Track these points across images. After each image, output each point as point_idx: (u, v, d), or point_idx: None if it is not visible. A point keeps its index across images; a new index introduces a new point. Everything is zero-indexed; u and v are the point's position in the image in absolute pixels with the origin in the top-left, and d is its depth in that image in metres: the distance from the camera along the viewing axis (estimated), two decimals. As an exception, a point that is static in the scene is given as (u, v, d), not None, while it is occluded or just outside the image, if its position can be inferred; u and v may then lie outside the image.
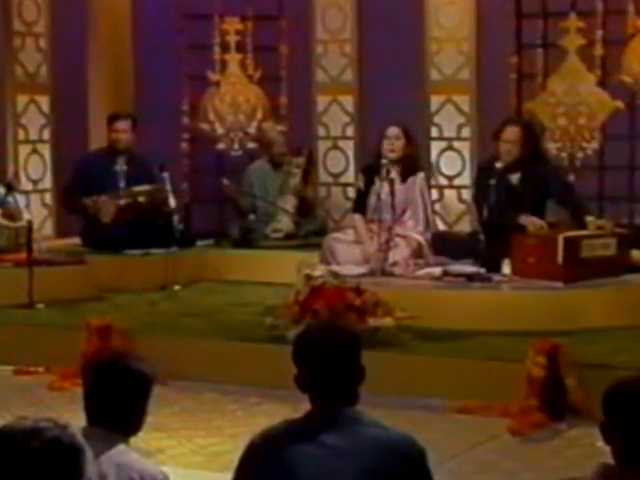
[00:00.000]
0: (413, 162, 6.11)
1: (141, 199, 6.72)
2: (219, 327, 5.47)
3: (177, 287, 6.36)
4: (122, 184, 6.86)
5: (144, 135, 7.14)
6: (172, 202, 6.41)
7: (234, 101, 7.76)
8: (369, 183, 6.12)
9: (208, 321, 5.61)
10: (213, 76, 7.76)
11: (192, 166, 7.87)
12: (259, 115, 7.74)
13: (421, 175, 6.17)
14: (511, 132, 5.86)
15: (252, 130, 7.72)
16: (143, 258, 6.54)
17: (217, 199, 7.73)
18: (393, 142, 6.00)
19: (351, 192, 7.28)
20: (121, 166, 6.91)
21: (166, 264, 6.27)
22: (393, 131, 6.03)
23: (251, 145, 7.71)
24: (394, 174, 6.01)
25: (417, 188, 6.10)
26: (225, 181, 7.02)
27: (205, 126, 7.79)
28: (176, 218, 6.39)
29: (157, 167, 6.64)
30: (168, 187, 6.47)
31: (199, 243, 7.11)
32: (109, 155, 6.94)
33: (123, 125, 6.88)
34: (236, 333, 5.31)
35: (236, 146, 7.79)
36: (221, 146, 7.80)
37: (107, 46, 7.79)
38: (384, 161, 5.99)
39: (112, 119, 6.95)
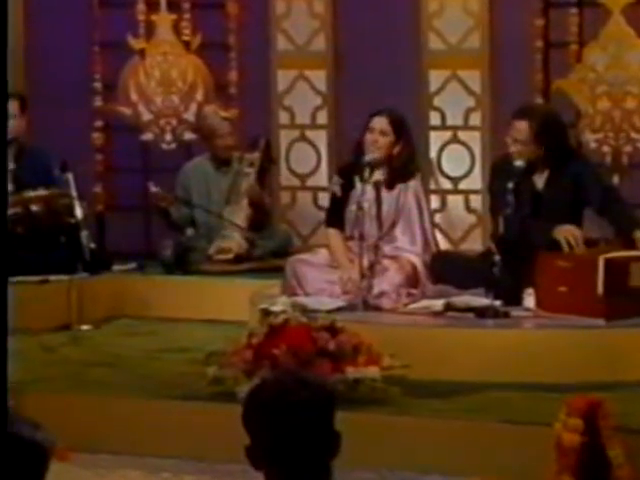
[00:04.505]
0: (404, 165, 6.09)
1: (35, 208, 6.71)
2: (144, 380, 5.47)
3: (85, 327, 6.37)
4: (9, 187, 6.81)
5: (40, 122, 7.12)
6: (79, 212, 6.42)
7: (165, 77, 7.77)
8: (347, 188, 6.13)
9: (129, 372, 5.62)
10: (136, 43, 7.76)
11: (107, 163, 7.86)
12: (199, 96, 7.76)
13: (416, 178, 6.17)
14: (518, 129, 5.81)
15: (190, 116, 7.72)
16: (38, 287, 6.53)
17: (142, 208, 7.71)
18: (377, 137, 6.00)
19: (323, 198, 7.28)
20: (7, 163, 6.87)
21: (70, 295, 6.26)
22: (378, 123, 6.01)
23: (188, 136, 7.72)
24: (380, 175, 6.01)
25: (411, 194, 6.10)
26: (152, 187, 7.01)
27: (126, 110, 7.78)
28: (85, 233, 6.40)
29: (58, 164, 6.64)
30: (73, 191, 6.47)
31: (117, 267, 7.10)
32: (-9, 149, 6.92)
33: (7, 108, 6.84)
34: (167, 388, 5.32)
35: (168, 137, 7.79)
36: (147, 137, 7.80)
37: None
38: (367, 158, 5.99)
39: (-10, 101, 6.94)
